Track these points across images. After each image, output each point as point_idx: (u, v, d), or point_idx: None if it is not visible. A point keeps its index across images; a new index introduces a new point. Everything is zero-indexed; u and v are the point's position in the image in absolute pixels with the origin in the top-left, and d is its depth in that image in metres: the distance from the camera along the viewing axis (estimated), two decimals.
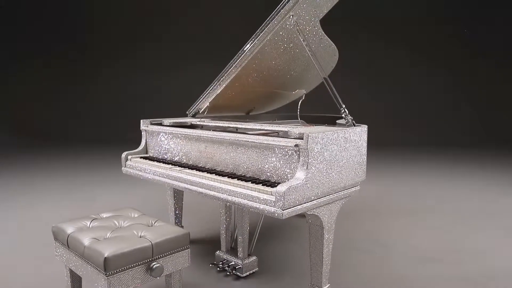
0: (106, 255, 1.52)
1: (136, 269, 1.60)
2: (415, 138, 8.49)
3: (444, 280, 2.32)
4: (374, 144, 7.68)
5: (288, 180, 1.71)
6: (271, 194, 1.62)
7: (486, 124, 8.85)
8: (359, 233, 3.14)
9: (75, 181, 4.93)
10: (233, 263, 2.37)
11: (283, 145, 1.74)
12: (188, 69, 9.29)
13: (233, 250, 2.51)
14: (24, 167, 5.80)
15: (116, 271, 1.54)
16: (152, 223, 1.90)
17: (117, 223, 1.90)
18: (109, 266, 1.52)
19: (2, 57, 9.31)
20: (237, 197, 1.76)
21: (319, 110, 2.99)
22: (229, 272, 2.35)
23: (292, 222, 3.38)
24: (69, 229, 1.80)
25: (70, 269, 1.83)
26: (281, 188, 1.58)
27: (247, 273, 2.36)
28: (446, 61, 9.05)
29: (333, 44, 2.55)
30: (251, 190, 1.72)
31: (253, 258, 2.42)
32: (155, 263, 1.65)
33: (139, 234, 1.74)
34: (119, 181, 4.92)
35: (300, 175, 1.66)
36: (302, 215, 3.46)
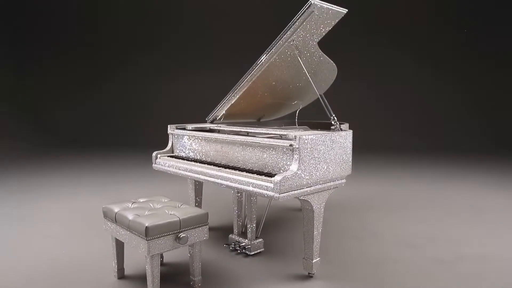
0: (146, 225, 2.04)
1: (167, 237, 2.12)
2: (416, 139, 8.84)
3: (418, 260, 2.76)
4: (378, 146, 8.10)
5: (284, 172, 2.20)
6: (271, 182, 2.12)
7: (486, 126, 9.11)
8: (354, 224, 3.59)
9: (105, 178, 5.53)
10: (243, 244, 2.87)
11: (281, 145, 2.23)
12: (194, 74, 9.81)
13: (243, 234, 3.02)
14: (51, 167, 6.46)
15: (153, 237, 2.06)
16: (179, 206, 2.42)
17: (152, 205, 2.42)
18: (148, 233, 2.03)
19: (24, 60, 10.01)
20: (245, 185, 2.26)
21: (323, 117, 3.46)
22: (240, 251, 2.85)
23: (293, 214, 3.86)
24: (116, 209, 2.33)
25: (115, 238, 2.35)
26: (278, 177, 2.07)
27: (255, 252, 2.86)
28: (448, 63, 9.36)
29: (332, 61, 3.03)
30: (257, 179, 2.22)
31: (260, 240, 2.91)
32: (182, 233, 2.16)
33: (170, 213, 2.25)
34: (142, 179, 5.48)
35: (293, 167, 2.15)
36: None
